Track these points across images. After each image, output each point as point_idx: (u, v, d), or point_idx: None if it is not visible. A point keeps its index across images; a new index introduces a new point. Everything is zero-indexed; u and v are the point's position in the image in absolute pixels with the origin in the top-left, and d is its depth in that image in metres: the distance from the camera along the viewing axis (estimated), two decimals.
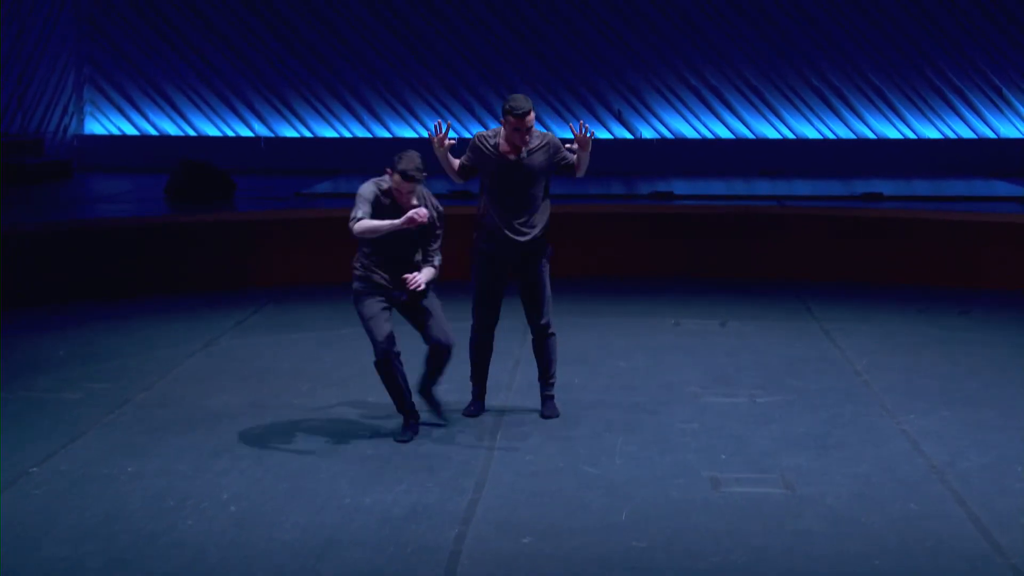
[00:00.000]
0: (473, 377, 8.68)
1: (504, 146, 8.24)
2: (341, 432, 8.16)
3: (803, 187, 18.13)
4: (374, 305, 7.98)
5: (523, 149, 8.20)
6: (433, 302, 8.12)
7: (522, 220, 8.26)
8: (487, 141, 8.28)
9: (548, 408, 8.62)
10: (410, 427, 8.06)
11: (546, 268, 8.44)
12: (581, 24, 20.98)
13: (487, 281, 8.41)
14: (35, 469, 7.41)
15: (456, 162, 8.38)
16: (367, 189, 7.91)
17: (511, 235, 8.25)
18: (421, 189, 7.95)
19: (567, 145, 8.36)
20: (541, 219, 8.34)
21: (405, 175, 7.77)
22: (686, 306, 12.60)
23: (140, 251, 13.39)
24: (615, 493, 7.04)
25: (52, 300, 12.52)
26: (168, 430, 8.22)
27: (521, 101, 8.15)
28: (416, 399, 8.17)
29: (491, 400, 8.92)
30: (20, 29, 20.26)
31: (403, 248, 7.97)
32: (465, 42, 21.18)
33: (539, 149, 8.26)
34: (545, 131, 8.45)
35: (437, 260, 8.09)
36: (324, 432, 8.15)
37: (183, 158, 16.98)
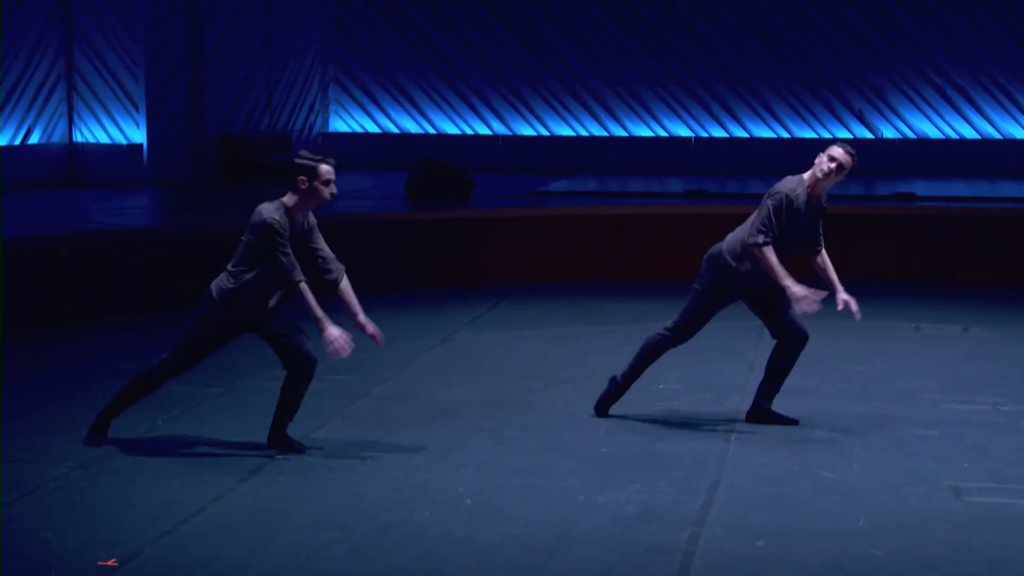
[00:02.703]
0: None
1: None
2: (574, 430, 8.19)
3: None
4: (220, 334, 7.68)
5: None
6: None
7: None
8: (798, 198, 8.16)
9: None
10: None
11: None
12: (821, 21, 20.67)
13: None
14: (278, 458, 7.62)
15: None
16: (281, 222, 7.44)
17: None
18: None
19: None
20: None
21: (326, 162, 7.44)
22: (926, 310, 12.30)
23: (377, 246, 13.66)
24: (852, 499, 6.91)
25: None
26: (405, 423, 8.37)
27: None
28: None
29: (725, 403, 8.87)
30: (269, 31, 20.88)
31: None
32: (703, 42, 21.05)
33: None
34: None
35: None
36: (557, 429, 8.20)
37: (423, 156, 17.27)
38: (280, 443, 7.72)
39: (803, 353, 10.35)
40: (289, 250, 7.46)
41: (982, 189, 17.68)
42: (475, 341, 10.99)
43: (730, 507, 6.79)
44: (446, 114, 21.75)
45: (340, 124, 22.16)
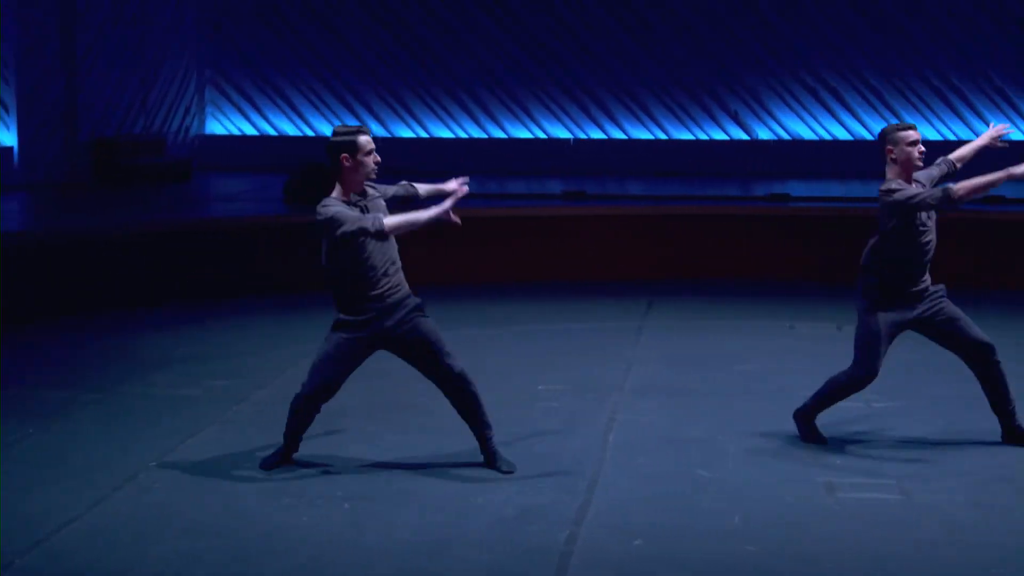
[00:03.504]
0: None
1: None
2: (455, 432, 8.19)
3: None
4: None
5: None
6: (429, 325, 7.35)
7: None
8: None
9: None
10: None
11: None
12: (696, 23, 20.89)
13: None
14: (155, 465, 7.53)
15: None
16: (339, 207, 7.09)
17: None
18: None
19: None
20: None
21: (363, 132, 7.16)
22: (802, 310, 12.49)
23: (258, 250, 13.56)
24: (728, 497, 7.00)
25: (171, 299, 12.72)
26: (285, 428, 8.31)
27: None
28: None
29: (604, 403, 8.93)
30: (144, 32, 20.62)
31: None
32: (581, 44, 21.16)
33: None
34: None
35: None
36: (438, 431, 8.19)
37: (302, 158, 17.16)
38: None
39: (681, 353, 10.50)
40: (350, 225, 6.98)
41: (855, 189, 17.97)
42: None
43: (609, 507, 6.84)
44: (324, 116, 21.64)
45: (217, 127, 21.96)
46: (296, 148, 20.55)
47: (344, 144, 7.10)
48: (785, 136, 20.92)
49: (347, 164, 7.12)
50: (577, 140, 21.17)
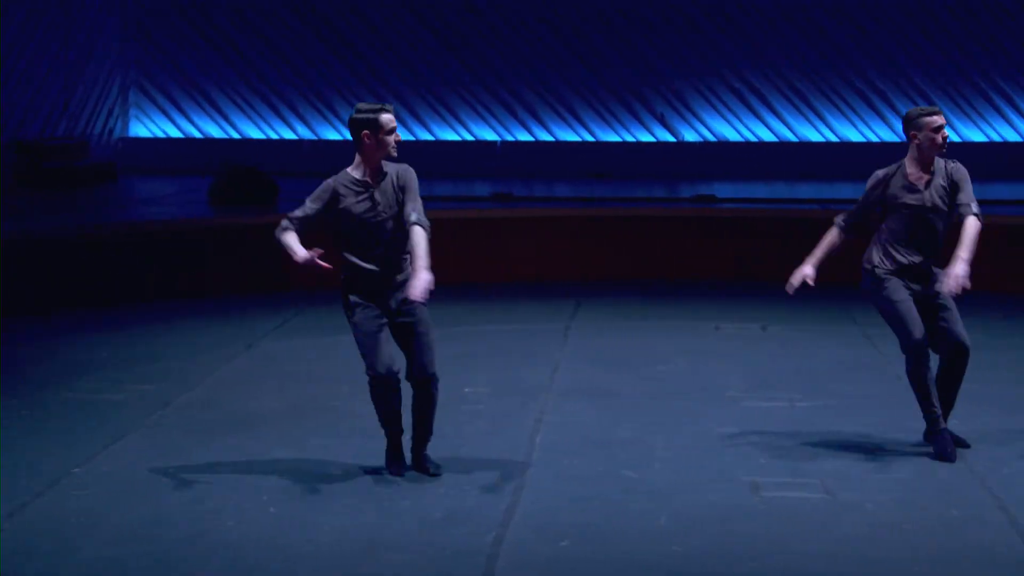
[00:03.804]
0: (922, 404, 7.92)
1: (913, 174, 7.82)
2: (380, 435, 8.16)
3: (846, 190, 18.03)
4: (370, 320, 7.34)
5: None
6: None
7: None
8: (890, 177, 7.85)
9: None
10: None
11: None
12: (621, 24, 20.95)
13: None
14: (78, 470, 7.46)
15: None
16: (321, 188, 7.28)
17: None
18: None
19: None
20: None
21: (385, 110, 7.14)
22: (727, 310, 12.57)
23: (183, 253, 13.47)
24: (654, 497, 7.03)
25: (94, 303, 12.60)
26: (210, 432, 8.27)
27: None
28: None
29: (530, 405, 8.94)
30: (66, 34, 20.41)
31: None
32: (508, 45, 21.17)
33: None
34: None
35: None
36: (364, 435, 8.17)
37: (226, 161, 17.06)
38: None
39: (609, 353, 10.53)
40: (304, 208, 7.30)
41: (780, 191, 18.12)
42: (280, 348, 10.90)
43: (536, 508, 6.85)
44: (251, 119, 21.52)
45: (141, 129, 21.76)
46: (221, 150, 20.39)
47: (366, 121, 7.12)
48: (711, 138, 21.05)
49: (368, 141, 7.15)
50: (505, 143, 21.18)
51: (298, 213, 7.35)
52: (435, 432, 7.54)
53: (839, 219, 8.05)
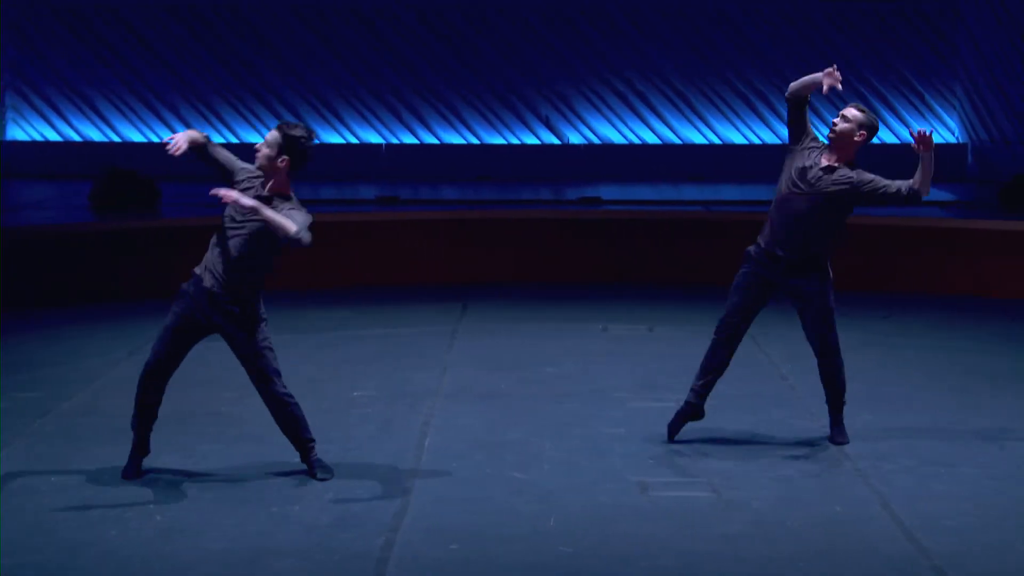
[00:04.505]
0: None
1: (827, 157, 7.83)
2: (267, 440, 8.10)
3: (730, 192, 18.25)
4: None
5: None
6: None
7: None
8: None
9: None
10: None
11: None
12: (504, 26, 21.00)
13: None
14: None
15: None
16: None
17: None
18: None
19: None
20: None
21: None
22: (615, 312, 12.64)
23: (65, 259, 13.25)
24: (544, 499, 7.05)
25: None
26: (92, 440, 8.14)
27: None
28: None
29: (419, 408, 8.92)
30: None
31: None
32: (392, 49, 21.13)
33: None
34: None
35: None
36: (250, 440, 8.10)
37: (107, 165, 16.82)
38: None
39: (497, 356, 10.55)
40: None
41: (666, 192, 18.28)
42: None
43: (425, 511, 6.84)
44: (131, 122, 21.25)
45: (19, 132, 21.39)
46: (102, 154, 20.10)
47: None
48: (595, 140, 21.17)
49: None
50: (389, 146, 21.13)
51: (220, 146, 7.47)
52: (323, 436, 7.49)
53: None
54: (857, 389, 9.42)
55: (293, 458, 7.60)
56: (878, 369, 10.12)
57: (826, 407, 8.20)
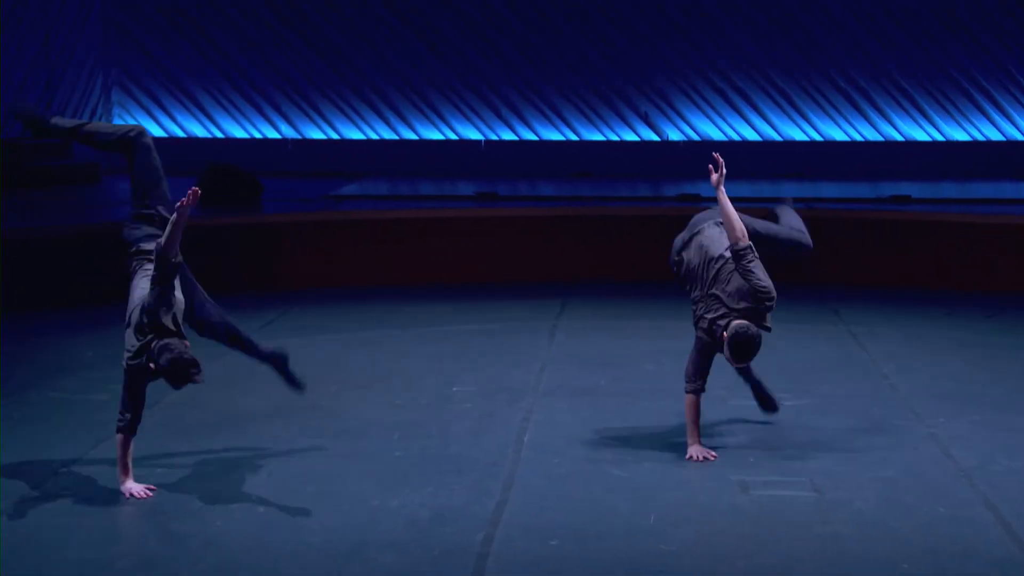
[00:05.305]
0: None
1: None
2: (368, 434, 8.17)
3: (830, 190, 18.07)
4: None
5: None
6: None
7: None
8: None
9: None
10: None
11: None
12: (603, 24, 20.97)
13: None
14: (64, 470, 7.43)
15: None
16: None
17: None
18: None
19: None
20: None
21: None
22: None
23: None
24: (643, 497, 7.03)
25: (81, 302, 12.55)
26: (196, 432, 8.25)
27: None
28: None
29: (518, 403, 8.94)
30: (47, 34, 20.34)
31: None
32: (491, 44, 21.18)
33: None
34: None
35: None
36: (351, 434, 8.16)
37: (210, 160, 17.01)
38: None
39: (595, 353, 10.54)
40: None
41: (764, 190, 18.13)
42: None
43: (524, 507, 6.85)
44: (234, 118, 21.48)
45: None
46: (206, 150, 20.35)
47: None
48: (695, 137, 21.07)
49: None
50: (488, 142, 21.18)
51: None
52: (422, 431, 7.52)
53: None
54: (960, 390, 9.33)
55: (395, 452, 7.65)
56: (981, 370, 9.98)
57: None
